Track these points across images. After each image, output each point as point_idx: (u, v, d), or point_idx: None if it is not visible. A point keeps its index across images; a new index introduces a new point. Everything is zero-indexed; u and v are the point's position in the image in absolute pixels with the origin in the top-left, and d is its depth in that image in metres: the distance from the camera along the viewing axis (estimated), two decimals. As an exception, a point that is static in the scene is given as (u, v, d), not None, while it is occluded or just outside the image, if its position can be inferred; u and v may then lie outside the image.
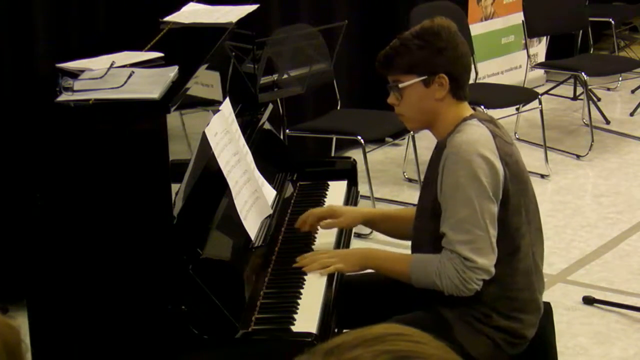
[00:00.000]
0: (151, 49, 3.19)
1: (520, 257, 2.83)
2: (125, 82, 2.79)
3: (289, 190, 3.53)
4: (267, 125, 3.69)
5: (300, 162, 3.77)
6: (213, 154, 2.88)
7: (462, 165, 2.73)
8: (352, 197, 3.59)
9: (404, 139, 6.08)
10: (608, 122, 6.97)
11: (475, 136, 2.76)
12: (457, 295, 2.76)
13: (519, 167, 2.82)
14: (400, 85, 2.83)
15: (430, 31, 2.82)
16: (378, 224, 3.23)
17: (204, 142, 2.88)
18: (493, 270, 2.75)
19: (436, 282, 2.76)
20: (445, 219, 2.76)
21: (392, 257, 2.95)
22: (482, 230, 2.72)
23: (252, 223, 3.00)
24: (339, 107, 5.80)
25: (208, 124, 2.88)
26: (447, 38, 2.82)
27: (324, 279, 2.91)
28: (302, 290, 2.85)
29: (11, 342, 1.30)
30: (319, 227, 3.23)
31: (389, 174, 6.15)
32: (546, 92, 7.21)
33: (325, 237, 3.20)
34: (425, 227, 2.87)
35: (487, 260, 2.74)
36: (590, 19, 7.08)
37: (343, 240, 3.25)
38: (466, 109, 2.87)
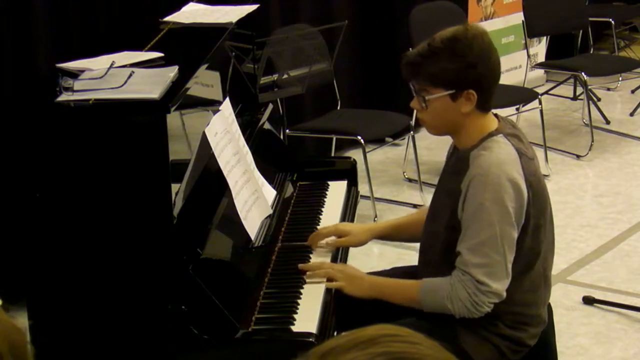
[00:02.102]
0: (151, 49, 3.19)
1: (531, 274, 2.80)
2: (125, 82, 2.79)
3: (289, 190, 3.53)
4: (267, 125, 3.69)
5: (300, 162, 3.76)
6: (213, 154, 2.88)
7: (490, 188, 2.67)
8: (352, 197, 3.59)
9: (404, 139, 6.07)
10: (608, 122, 6.96)
11: (502, 156, 2.69)
12: (469, 317, 2.73)
13: (540, 185, 2.78)
14: (427, 97, 2.75)
15: (464, 43, 2.69)
16: (390, 236, 3.20)
17: (204, 142, 2.88)
18: (505, 294, 2.71)
19: (447, 306, 2.73)
20: (463, 238, 2.71)
21: (401, 285, 2.89)
22: (499, 255, 2.68)
23: (252, 223, 3.00)
24: (339, 107, 5.80)
25: (208, 124, 2.88)
26: (479, 52, 2.70)
27: (324, 279, 2.91)
28: (302, 290, 2.85)
29: (17, 344, 1.30)
30: (318, 226, 3.23)
31: (389, 174, 6.15)
32: (546, 92, 7.21)
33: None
34: (438, 232, 2.82)
35: (501, 285, 2.70)
36: (590, 19, 7.07)
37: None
38: (491, 121, 2.79)
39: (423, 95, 2.76)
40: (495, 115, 2.85)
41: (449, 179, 2.85)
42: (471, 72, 2.70)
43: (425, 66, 2.73)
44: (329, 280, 2.91)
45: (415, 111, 2.84)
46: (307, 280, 2.90)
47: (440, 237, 2.82)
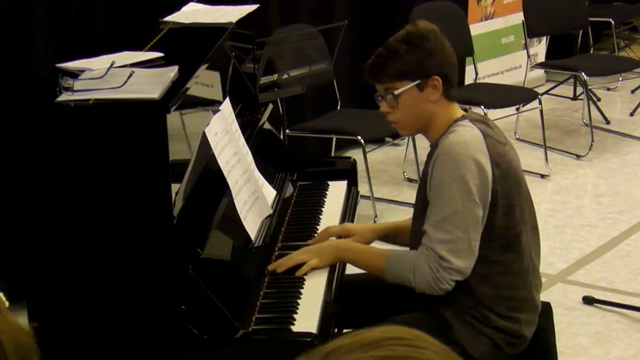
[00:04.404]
0: (151, 49, 3.19)
1: (515, 256, 2.83)
2: (125, 82, 2.79)
3: (289, 190, 3.53)
4: (267, 125, 3.69)
5: (300, 162, 3.76)
6: (213, 154, 2.89)
7: (451, 165, 2.73)
8: (352, 197, 3.58)
9: (403, 139, 6.08)
10: (608, 122, 6.97)
11: (466, 137, 2.76)
12: (429, 294, 2.76)
13: (511, 167, 2.81)
14: (396, 92, 2.81)
15: (418, 35, 2.81)
16: (394, 237, 3.22)
17: (204, 142, 2.88)
18: (468, 272, 2.75)
19: (409, 278, 2.77)
20: (428, 216, 2.77)
21: (368, 251, 2.96)
22: (462, 231, 2.72)
23: (252, 223, 3.00)
24: (339, 107, 5.80)
25: (208, 124, 2.88)
26: (435, 40, 2.81)
27: (324, 279, 2.91)
28: (302, 290, 2.85)
29: (24, 345, 1.30)
30: (318, 226, 3.22)
31: (389, 174, 6.15)
32: (546, 92, 7.21)
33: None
34: (420, 227, 2.85)
35: (463, 263, 2.73)
36: (590, 19, 7.08)
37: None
38: (457, 110, 2.87)
39: (391, 93, 2.82)
40: (465, 109, 2.91)
41: (423, 172, 2.92)
42: (431, 60, 2.80)
43: (387, 65, 2.82)
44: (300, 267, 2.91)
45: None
46: (307, 274, 2.90)
47: (422, 228, 2.84)
